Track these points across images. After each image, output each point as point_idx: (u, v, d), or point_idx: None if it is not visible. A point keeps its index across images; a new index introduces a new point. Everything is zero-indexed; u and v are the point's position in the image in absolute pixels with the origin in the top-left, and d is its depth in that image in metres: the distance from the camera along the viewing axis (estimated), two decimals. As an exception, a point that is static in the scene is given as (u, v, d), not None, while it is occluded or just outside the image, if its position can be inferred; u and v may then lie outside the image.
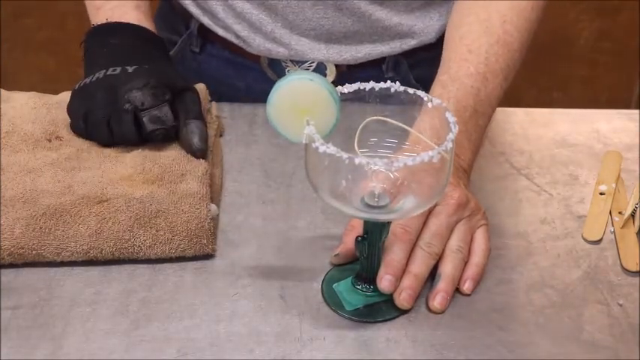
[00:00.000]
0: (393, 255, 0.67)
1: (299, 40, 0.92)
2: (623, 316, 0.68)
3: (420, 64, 0.96)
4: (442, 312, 0.67)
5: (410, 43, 0.94)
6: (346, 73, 0.95)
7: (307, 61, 0.95)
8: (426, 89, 0.95)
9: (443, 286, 0.68)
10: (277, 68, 0.96)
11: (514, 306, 0.69)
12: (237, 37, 0.94)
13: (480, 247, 0.71)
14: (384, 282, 0.66)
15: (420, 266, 0.67)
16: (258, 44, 0.93)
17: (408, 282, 0.67)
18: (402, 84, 0.63)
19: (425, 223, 0.69)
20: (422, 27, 0.93)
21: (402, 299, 0.66)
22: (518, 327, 0.67)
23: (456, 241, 0.70)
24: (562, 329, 0.67)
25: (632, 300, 0.69)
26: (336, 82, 0.93)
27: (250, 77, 0.99)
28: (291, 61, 0.95)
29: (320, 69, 0.95)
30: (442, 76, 0.79)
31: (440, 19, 0.94)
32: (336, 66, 0.95)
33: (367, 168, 0.58)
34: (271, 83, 0.60)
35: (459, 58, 0.79)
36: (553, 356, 0.64)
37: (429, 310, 0.67)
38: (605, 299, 0.70)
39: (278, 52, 0.94)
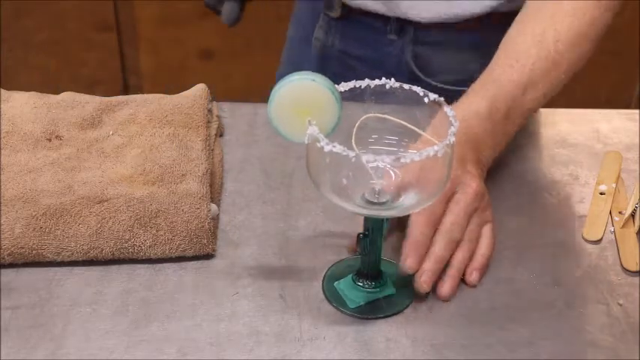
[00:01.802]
0: (417, 236, 0.68)
1: None
2: (623, 315, 0.68)
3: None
4: (449, 298, 0.68)
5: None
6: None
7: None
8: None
9: (453, 272, 0.69)
10: None
11: (514, 306, 0.69)
12: None
13: (486, 241, 0.72)
14: (410, 261, 0.67)
15: (441, 250, 0.68)
16: None
17: (429, 264, 0.68)
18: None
19: (446, 210, 0.70)
20: None
21: (423, 281, 0.67)
22: (518, 327, 0.67)
23: (468, 232, 0.71)
24: (562, 329, 0.67)
25: (632, 300, 0.69)
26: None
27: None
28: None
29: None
30: (483, 76, 0.80)
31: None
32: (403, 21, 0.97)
33: (373, 165, 0.58)
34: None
35: (505, 64, 0.80)
36: (553, 356, 0.64)
37: (437, 297, 0.68)
38: (605, 299, 0.70)
39: None
